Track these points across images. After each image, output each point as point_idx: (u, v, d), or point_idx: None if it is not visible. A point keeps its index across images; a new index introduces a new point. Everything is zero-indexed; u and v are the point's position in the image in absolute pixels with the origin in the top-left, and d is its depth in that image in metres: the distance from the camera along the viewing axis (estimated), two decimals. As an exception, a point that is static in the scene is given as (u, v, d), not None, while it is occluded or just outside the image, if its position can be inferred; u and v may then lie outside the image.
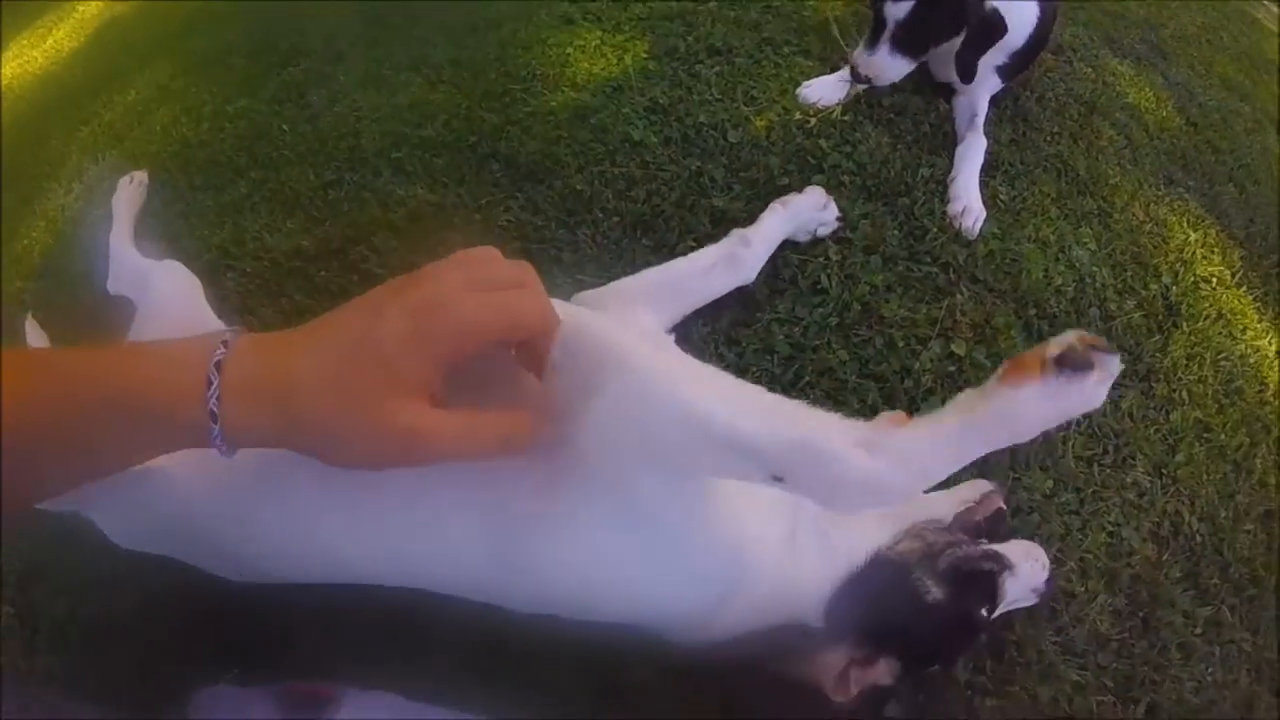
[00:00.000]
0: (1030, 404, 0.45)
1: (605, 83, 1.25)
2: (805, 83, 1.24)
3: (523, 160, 1.15)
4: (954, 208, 1.13)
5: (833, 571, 0.64)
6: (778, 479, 0.48)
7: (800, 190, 1.04)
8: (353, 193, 1.21)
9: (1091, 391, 0.45)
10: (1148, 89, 1.64)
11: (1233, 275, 1.39)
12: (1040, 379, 0.45)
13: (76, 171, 1.54)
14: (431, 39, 1.48)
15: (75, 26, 2.52)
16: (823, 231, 1.05)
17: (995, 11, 1.14)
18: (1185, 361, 1.21)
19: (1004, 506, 0.80)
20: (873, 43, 1.18)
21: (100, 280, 1.09)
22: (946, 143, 1.25)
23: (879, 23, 1.18)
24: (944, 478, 0.48)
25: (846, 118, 1.21)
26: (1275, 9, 2.45)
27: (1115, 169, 1.38)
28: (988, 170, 1.21)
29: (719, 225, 0.96)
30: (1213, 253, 1.39)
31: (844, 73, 1.23)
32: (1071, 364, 0.45)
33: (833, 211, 1.05)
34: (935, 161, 1.20)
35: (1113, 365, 0.45)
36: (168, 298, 0.88)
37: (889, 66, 1.18)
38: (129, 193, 1.21)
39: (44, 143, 1.75)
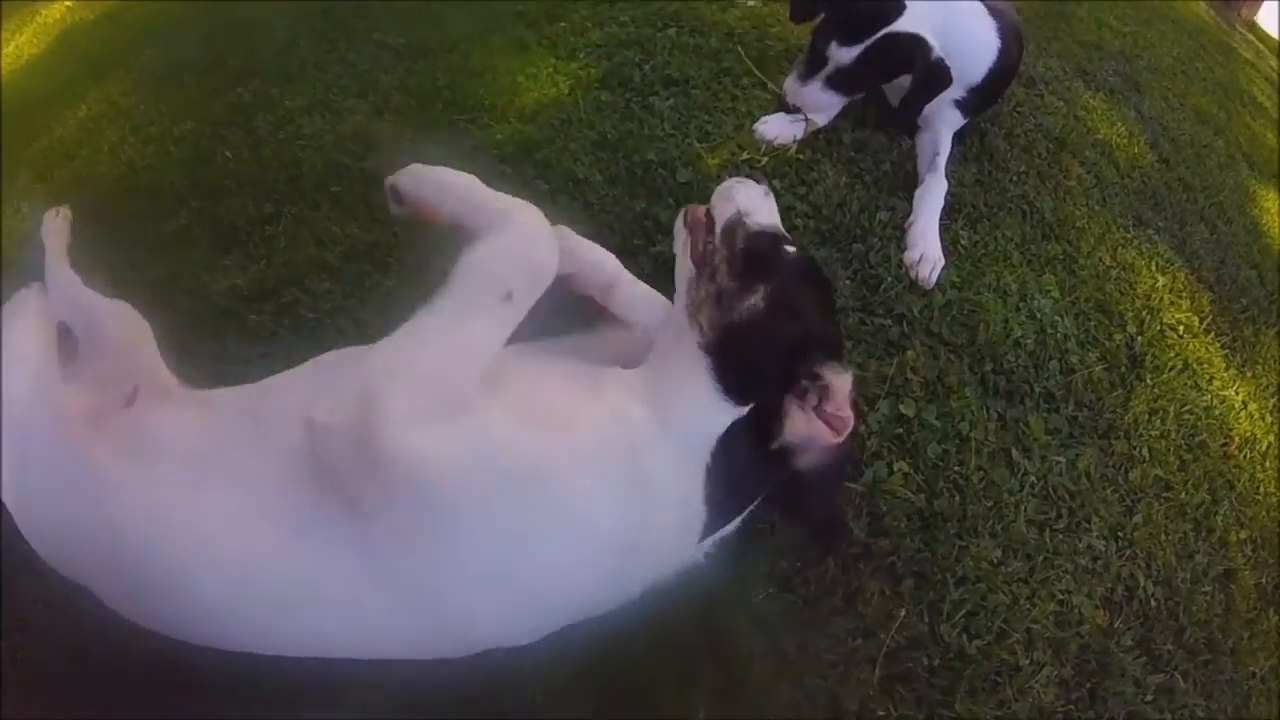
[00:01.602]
0: None
1: (554, 115, 1.21)
2: (762, 118, 1.20)
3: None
4: (911, 255, 1.09)
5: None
6: (508, 296, 0.60)
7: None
8: (290, 228, 1.16)
9: None
10: (1120, 123, 1.60)
11: (1201, 321, 1.35)
12: None
13: (25, 190, 1.49)
14: (383, 61, 1.43)
15: (37, 32, 2.45)
16: None
17: (941, 62, 1.12)
18: (1147, 416, 1.16)
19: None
20: (807, 75, 1.17)
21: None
22: (908, 183, 1.21)
23: (815, 56, 1.16)
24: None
25: (803, 156, 1.17)
26: (1252, 38, 2.42)
27: (1083, 210, 1.34)
28: (949, 213, 1.17)
29: (662, 270, 0.91)
30: (1181, 298, 1.36)
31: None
32: None
33: None
34: (895, 204, 1.16)
35: None
36: (119, 343, 0.86)
37: (822, 102, 1.18)
38: (54, 226, 1.17)
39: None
